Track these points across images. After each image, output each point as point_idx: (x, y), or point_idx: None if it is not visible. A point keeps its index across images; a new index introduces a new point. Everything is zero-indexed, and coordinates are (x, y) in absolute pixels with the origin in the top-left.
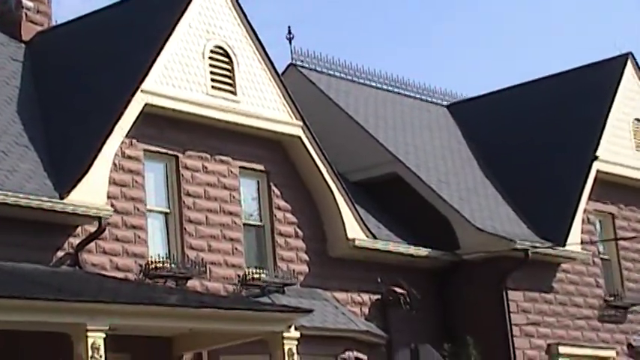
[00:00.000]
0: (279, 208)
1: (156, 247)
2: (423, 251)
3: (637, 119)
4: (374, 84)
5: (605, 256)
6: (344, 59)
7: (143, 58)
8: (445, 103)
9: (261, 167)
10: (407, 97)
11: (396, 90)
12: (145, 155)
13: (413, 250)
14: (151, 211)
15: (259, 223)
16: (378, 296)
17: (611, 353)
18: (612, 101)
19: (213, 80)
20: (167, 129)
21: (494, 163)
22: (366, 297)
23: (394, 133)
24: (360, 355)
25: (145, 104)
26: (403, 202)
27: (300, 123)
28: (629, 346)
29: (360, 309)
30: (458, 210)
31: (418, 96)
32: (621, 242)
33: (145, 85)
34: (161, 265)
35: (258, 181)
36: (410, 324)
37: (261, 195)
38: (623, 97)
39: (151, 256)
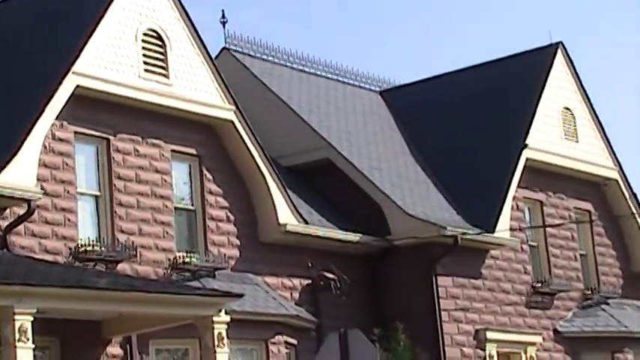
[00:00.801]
0: (210, 193)
1: (86, 230)
2: (354, 237)
3: (566, 108)
4: (307, 69)
5: (533, 243)
6: (278, 44)
7: (75, 40)
8: (378, 89)
9: (193, 151)
10: (340, 83)
11: (329, 76)
12: (75, 137)
13: (344, 235)
14: (81, 193)
15: (190, 207)
16: (309, 281)
17: (538, 339)
18: (542, 90)
19: (145, 63)
20: (98, 111)
21: (425, 150)
22: (296, 282)
23: (327, 118)
24: (290, 340)
25: (77, 86)
26: (335, 187)
27: (233, 107)
28: (555, 331)
29: (291, 294)
30: (389, 196)
31: (351, 82)
32: (549, 229)
33: (76, 67)
34: (91, 248)
35: (190, 165)
36: (340, 309)
37: (193, 179)
38: (553, 86)
39: (81, 239)
